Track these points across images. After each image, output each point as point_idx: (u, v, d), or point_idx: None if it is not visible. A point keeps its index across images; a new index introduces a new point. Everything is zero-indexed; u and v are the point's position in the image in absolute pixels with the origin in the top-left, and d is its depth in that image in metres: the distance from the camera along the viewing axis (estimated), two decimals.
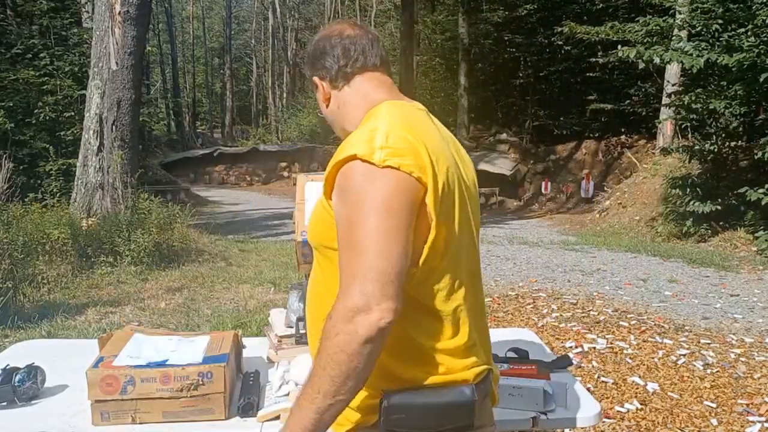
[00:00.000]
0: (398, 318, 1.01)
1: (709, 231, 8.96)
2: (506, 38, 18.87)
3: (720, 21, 8.31)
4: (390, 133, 1.08)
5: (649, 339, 4.45)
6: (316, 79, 1.29)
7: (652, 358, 4.06)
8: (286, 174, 24.02)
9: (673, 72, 11.20)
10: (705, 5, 8.57)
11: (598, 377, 3.70)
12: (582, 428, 2.32)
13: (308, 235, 1.23)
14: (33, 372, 1.62)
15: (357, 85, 1.26)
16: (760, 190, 7.87)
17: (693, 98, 8.90)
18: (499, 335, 2.16)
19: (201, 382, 1.51)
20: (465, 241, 1.18)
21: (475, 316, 1.20)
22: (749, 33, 7.68)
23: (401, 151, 1.06)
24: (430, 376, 1.11)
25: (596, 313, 5.17)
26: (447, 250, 1.11)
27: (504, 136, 17.33)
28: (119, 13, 7.47)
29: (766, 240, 7.81)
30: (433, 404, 1.10)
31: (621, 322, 4.88)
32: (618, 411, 3.25)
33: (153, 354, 1.59)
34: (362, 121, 1.19)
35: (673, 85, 10.91)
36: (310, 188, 1.89)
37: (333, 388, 1.00)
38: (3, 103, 9.44)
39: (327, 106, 1.30)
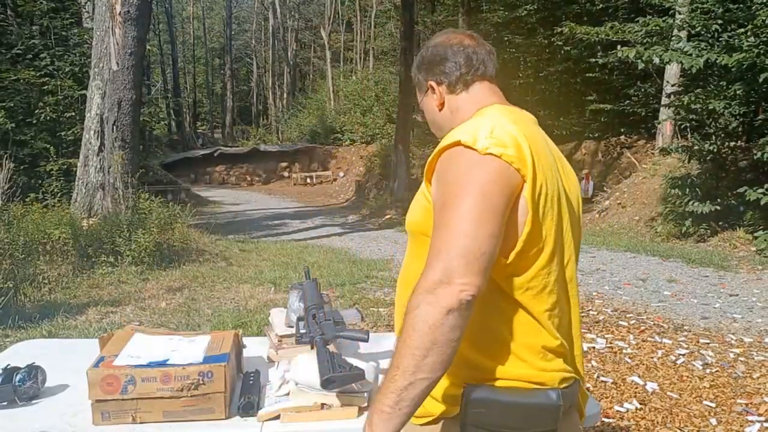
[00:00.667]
0: (485, 308, 1.06)
1: (709, 231, 8.96)
2: (506, 38, 18.86)
3: (720, 21, 8.31)
4: (496, 126, 1.13)
5: (649, 339, 4.45)
6: (432, 83, 1.33)
7: (652, 357, 4.06)
8: (286, 174, 24.04)
9: (672, 72, 11.20)
10: (705, 5, 8.57)
11: (598, 377, 3.71)
12: (581, 428, 2.33)
13: (407, 223, 1.26)
14: (34, 372, 1.62)
15: (474, 92, 1.31)
16: (760, 190, 7.87)
17: (692, 98, 8.90)
18: None
19: (201, 382, 1.51)
20: (561, 248, 1.18)
21: (567, 326, 1.21)
22: (749, 33, 7.68)
23: (504, 142, 1.09)
24: (514, 372, 1.11)
25: (595, 313, 5.18)
26: (541, 249, 1.12)
27: None
28: (120, 13, 7.48)
29: (765, 240, 7.81)
30: (516, 404, 1.09)
31: (620, 322, 4.89)
32: (617, 411, 3.25)
33: (153, 354, 1.59)
34: (471, 118, 1.25)
35: (672, 86, 10.91)
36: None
37: (413, 363, 0.99)
38: (4, 104, 9.46)
39: (440, 110, 1.34)
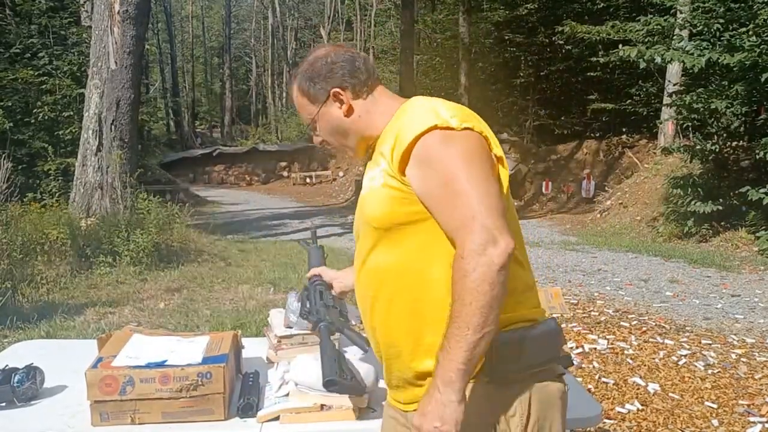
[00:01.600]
0: None
1: (711, 231, 8.96)
2: (507, 37, 18.85)
3: (721, 20, 8.30)
4: (450, 106, 1.23)
5: (650, 339, 4.44)
6: (336, 90, 1.34)
7: (653, 358, 4.05)
8: (285, 174, 24.02)
9: (674, 72, 11.19)
10: (706, 5, 8.56)
11: (599, 378, 3.69)
12: (583, 429, 2.31)
13: (370, 219, 1.26)
14: (32, 372, 1.62)
15: (377, 95, 1.36)
16: (762, 190, 7.86)
17: (694, 98, 8.89)
18: None
19: (200, 383, 1.50)
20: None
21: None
22: (750, 32, 7.67)
23: (469, 117, 1.21)
24: (515, 316, 1.21)
25: (597, 314, 5.17)
26: (509, 197, 1.26)
27: (504, 135, 17.31)
28: (118, 12, 7.46)
29: (767, 240, 7.80)
30: (541, 335, 1.22)
31: (622, 323, 4.87)
32: (619, 412, 3.24)
33: (152, 354, 1.58)
34: (396, 116, 1.30)
35: (674, 85, 10.91)
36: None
37: (481, 320, 1.07)
38: (2, 103, 9.45)
39: (347, 115, 1.36)
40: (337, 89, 1.34)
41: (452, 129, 1.16)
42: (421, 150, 1.16)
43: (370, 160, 1.36)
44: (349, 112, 1.35)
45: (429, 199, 1.17)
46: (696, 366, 3.92)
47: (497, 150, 1.23)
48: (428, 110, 1.21)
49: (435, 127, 1.16)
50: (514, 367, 1.19)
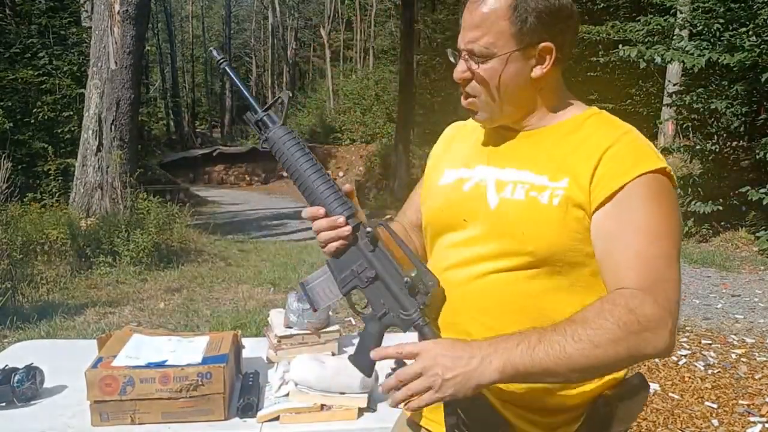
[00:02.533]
0: None
1: (711, 231, 8.95)
2: None
3: (721, 20, 8.29)
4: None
5: None
6: (548, 44, 1.03)
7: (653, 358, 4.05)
8: (285, 174, 23.92)
9: (674, 72, 11.19)
10: (706, 5, 8.55)
11: None
12: None
13: (535, 244, 1.01)
14: (32, 372, 1.62)
15: (560, 77, 1.11)
16: (762, 190, 7.85)
17: (694, 98, 8.88)
18: None
19: (200, 383, 1.50)
20: None
21: None
22: (750, 32, 7.66)
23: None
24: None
25: None
26: None
27: None
28: (118, 12, 7.46)
29: (767, 240, 7.79)
30: (643, 393, 1.14)
31: None
32: None
33: (152, 354, 1.58)
34: (602, 123, 1.07)
35: (674, 85, 10.90)
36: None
37: (579, 364, 0.90)
38: (2, 103, 9.44)
39: (536, 82, 1.06)
40: (550, 43, 1.03)
41: (672, 182, 1.02)
42: (644, 189, 0.98)
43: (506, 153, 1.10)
44: (541, 79, 1.06)
45: (612, 243, 0.98)
46: (696, 366, 3.91)
47: None
48: (647, 144, 1.04)
49: (664, 171, 1.00)
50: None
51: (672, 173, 1.01)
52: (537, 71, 1.05)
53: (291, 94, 1.16)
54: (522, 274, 1.03)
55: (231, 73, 1.16)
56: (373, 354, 1.01)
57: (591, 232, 1.00)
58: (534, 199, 1.03)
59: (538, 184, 1.03)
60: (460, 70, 1.07)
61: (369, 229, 1.07)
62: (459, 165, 1.17)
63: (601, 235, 0.99)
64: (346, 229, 1.06)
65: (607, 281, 0.99)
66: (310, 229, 1.12)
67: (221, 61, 1.16)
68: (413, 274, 1.03)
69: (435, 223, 1.18)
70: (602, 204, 0.98)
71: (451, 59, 1.09)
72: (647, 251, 0.96)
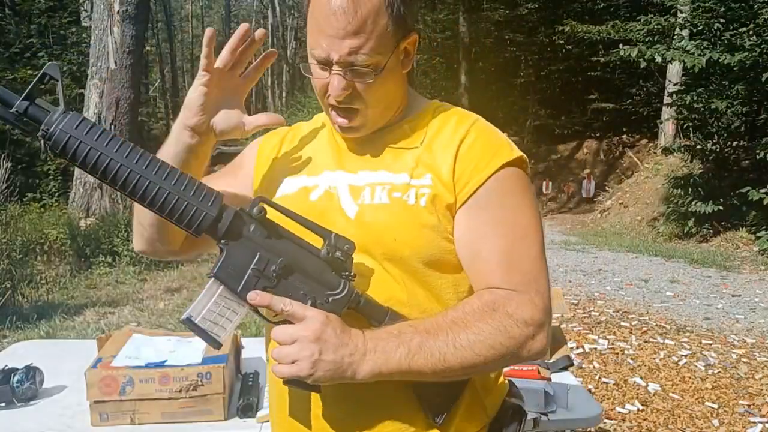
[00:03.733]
0: None
1: (711, 231, 8.95)
2: (507, 37, 18.84)
3: (721, 20, 8.29)
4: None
5: (651, 340, 4.43)
6: (414, 34, 0.95)
7: (654, 358, 4.05)
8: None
9: (674, 71, 11.19)
10: (706, 4, 8.55)
11: (600, 378, 3.69)
12: (583, 429, 2.31)
13: (410, 248, 0.92)
14: (31, 373, 1.62)
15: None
16: (762, 190, 7.86)
17: (695, 98, 8.88)
18: None
19: (200, 383, 1.50)
20: None
21: None
22: (751, 32, 7.67)
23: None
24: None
25: (597, 314, 5.16)
26: None
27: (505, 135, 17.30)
28: (118, 12, 7.46)
29: (767, 240, 7.79)
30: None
31: (622, 323, 4.87)
32: (619, 412, 3.24)
33: (152, 355, 1.58)
34: (450, 114, 1.00)
35: (674, 85, 10.90)
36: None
37: (455, 369, 0.87)
38: None
39: (402, 78, 0.98)
40: (416, 34, 0.95)
41: (525, 172, 0.98)
42: (502, 184, 0.94)
43: (372, 153, 0.99)
44: (404, 74, 0.98)
45: (479, 243, 0.93)
46: (696, 366, 3.91)
47: None
48: (498, 134, 0.99)
49: (521, 160, 0.96)
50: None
51: (525, 159, 0.97)
52: (406, 65, 0.96)
53: (61, 66, 0.77)
54: (398, 286, 0.93)
55: None
56: (251, 295, 0.84)
57: (455, 232, 0.93)
58: (399, 200, 0.92)
59: (400, 183, 0.93)
60: (340, 88, 0.89)
61: (256, 209, 0.85)
62: (298, 172, 1.02)
63: (465, 235, 0.93)
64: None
65: (476, 281, 0.94)
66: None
67: None
68: (326, 244, 0.86)
69: None
70: (464, 203, 0.93)
71: (308, 74, 0.94)
72: (514, 249, 0.92)
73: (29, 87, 0.80)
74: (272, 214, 0.88)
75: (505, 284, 0.90)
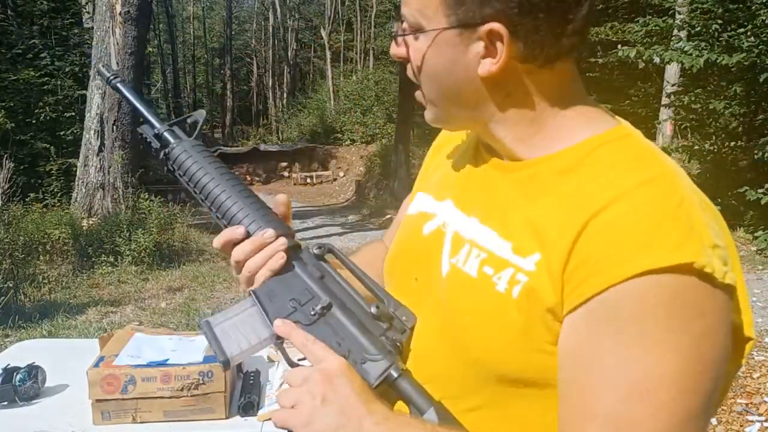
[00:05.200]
0: None
1: None
2: None
3: (720, 21, 8.30)
4: (707, 210, 0.66)
5: None
6: (494, 26, 0.62)
7: None
8: (286, 174, 24.04)
9: (672, 72, 11.19)
10: (704, 5, 8.55)
11: None
12: None
13: (481, 352, 0.66)
14: (34, 372, 1.62)
15: (562, 76, 0.68)
16: (760, 190, 7.86)
17: (693, 98, 8.89)
18: None
19: (201, 382, 1.51)
20: None
21: None
22: (749, 33, 7.67)
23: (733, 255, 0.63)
24: None
25: None
26: None
27: None
28: (120, 13, 7.48)
29: (765, 240, 7.81)
30: None
31: None
32: None
33: (153, 353, 1.59)
34: (619, 157, 0.65)
35: (672, 86, 10.90)
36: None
37: None
38: (4, 104, 9.46)
39: (489, 79, 0.66)
40: (497, 24, 0.62)
41: (714, 281, 0.57)
42: (644, 302, 0.57)
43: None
44: (501, 78, 0.66)
45: (582, 371, 0.60)
46: None
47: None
48: (673, 214, 0.60)
49: (691, 267, 0.56)
50: None
51: (709, 270, 0.57)
52: (486, 66, 0.65)
53: (206, 116, 0.89)
54: (465, 392, 0.69)
55: (122, 89, 0.91)
56: (277, 322, 0.73)
57: (558, 345, 0.62)
58: (488, 279, 0.66)
59: (499, 255, 0.66)
60: (394, 46, 0.73)
61: (316, 249, 0.79)
62: (430, 189, 0.84)
63: (565, 355, 0.61)
64: (280, 243, 0.76)
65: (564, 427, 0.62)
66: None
67: (111, 78, 0.92)
68: (379, 306, 0.74)
69: (390, 274, 0.85)
70: (574, 309, 0.60)
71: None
72: (623, 410, 0.57)
73: (176, 120, 0.89)
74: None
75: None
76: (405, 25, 0.70)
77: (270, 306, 0.76)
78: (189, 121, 0.89)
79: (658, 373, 0.57)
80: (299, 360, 0.75)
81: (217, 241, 0.79)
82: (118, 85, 0.91)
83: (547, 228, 0.63)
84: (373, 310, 0.73)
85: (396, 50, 0.72)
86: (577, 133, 0.68)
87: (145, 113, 0.89)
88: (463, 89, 0.69)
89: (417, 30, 0.68)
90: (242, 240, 0.77)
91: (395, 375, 0.70)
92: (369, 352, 0.71)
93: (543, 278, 0.62)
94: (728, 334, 0.60)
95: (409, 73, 0.72)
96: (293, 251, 0.78)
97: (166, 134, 0.87)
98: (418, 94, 0.74)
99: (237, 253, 0.77)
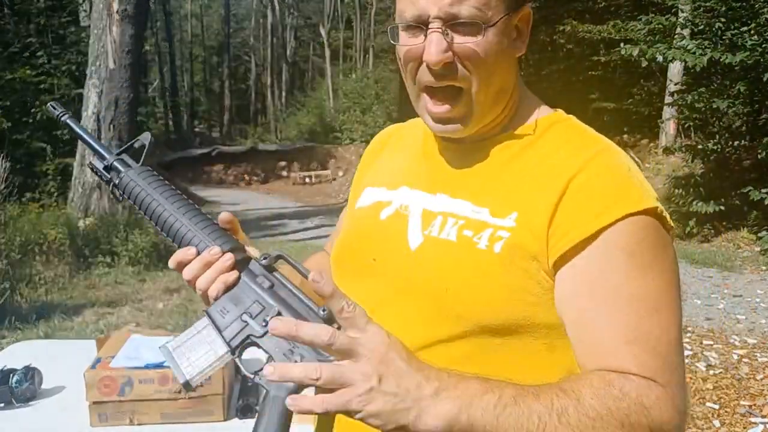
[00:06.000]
0: None
1: (712, 231, 8.94)
2: None
3: (723, 19, 8.28)
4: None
5: None
6: (527, 8, 0.79)
7: None
8: (285, 173, 24.03)
9: (675, 71, 11.18)
10: (707, 4, 8.54)
11: None
12: None
13: (464, 307, 0.74)
14: (30, 373, 1.62)
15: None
16: (764, 190, 7.85)
17: (696, 97, 8.87)
18: None
19: (199, 384, 1.48)
20: None
21: None
22: (752, 31, 7.66)
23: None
24: None
25: None
26: None
27: None
28: (117, 11, 7.45)
29: None
30: None
31: None
32: None
33: (151, 355, 1.57)
34: (570, 135, 0.80)
35: (675, 84, 10.90)
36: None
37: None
38: (0, 102, 9.43)
39: (515, 64, 0.81)
40: (528, 9, 0.79)
41: (666, 226, 0.75)
42: (624, 239, 0.71)
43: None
44: (516, 60, 0.82)
45: (589, 313, 0.71)
46: (697, 367, 3.90)
47: None
48: (630, 171, 0.76)
49: (655, 211, 0.73)
50: None
51: (663, 212, 0.74)
52: (520, 47, 0.79)
53: (152, 139, 0.88)
54: (445, 347, 0.75)
55: (72, 125, 0.90)
56: (269, 370, 0.69)
57: (555, 296, 0.73)
58: (468, 241, 0.75)
59: (476, 219, 0.76)
60: (440, 49, 0.71)
61: (263, 260, 0.81)
62: (380, 182, 0.91)
63: (569, 301, 0.72)
64: (226, 259, 0.78)
65: (587, 361, 0.72)
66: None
67: (60, 114, 0.90)
68: (326, 308, 0.73)
69: (339, 261, 0.90)
70: (566, 258, 0.72)
71: (394, 41, 0.78)
72: (643, 325, 0.70)
73: (124, 147, 0.92)
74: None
75: (639, 369, 0.68)
76: (455, 23, 0.71)
77: (222, 322, 0.79)
78: (136, 145, 0.90)
79: (658, 293, 0.72)
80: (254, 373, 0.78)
81: (171, 262, 0.83)
82: (68, 121, 0.91)
83: (520, 190, 0.76)
84: (321, 312, 0.74)
85: (442, 56, 0.72)
86: (530, 114, 0.83)
87: (95, 146, 0.91)
88: (507, 76, 0.79)
89: (487, 22, 0.72)
90: (192, 259, 0.80)
91: None
92: (322, 355, 0.73)
93: (524, 232, 0.73)
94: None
95: (462, 73, 0.74)
96: (242, 265, 0.81)
97: (115, 163, 0.89)
98: (447, 109, 0.77)
99: (186, 273, 0.80)
